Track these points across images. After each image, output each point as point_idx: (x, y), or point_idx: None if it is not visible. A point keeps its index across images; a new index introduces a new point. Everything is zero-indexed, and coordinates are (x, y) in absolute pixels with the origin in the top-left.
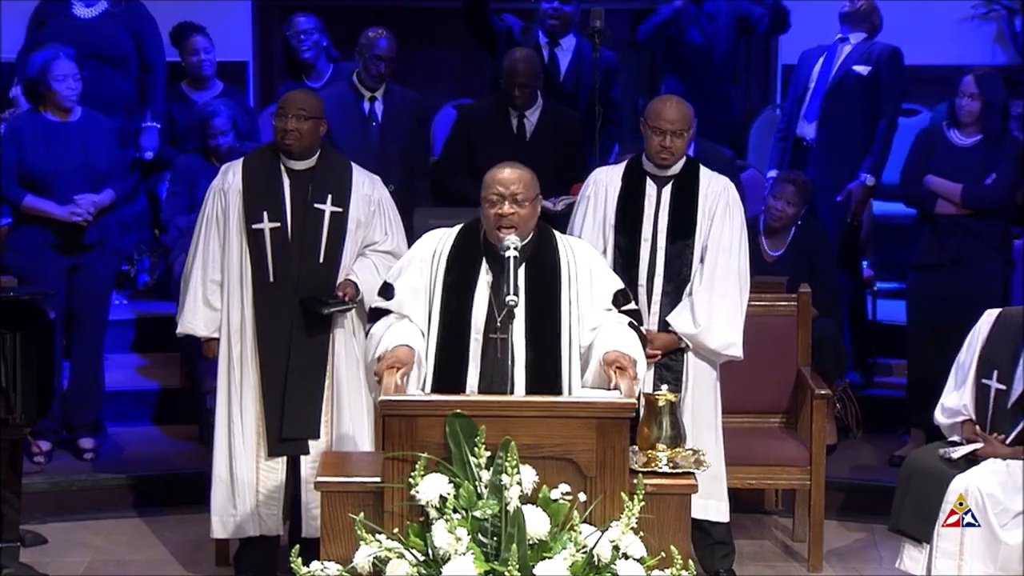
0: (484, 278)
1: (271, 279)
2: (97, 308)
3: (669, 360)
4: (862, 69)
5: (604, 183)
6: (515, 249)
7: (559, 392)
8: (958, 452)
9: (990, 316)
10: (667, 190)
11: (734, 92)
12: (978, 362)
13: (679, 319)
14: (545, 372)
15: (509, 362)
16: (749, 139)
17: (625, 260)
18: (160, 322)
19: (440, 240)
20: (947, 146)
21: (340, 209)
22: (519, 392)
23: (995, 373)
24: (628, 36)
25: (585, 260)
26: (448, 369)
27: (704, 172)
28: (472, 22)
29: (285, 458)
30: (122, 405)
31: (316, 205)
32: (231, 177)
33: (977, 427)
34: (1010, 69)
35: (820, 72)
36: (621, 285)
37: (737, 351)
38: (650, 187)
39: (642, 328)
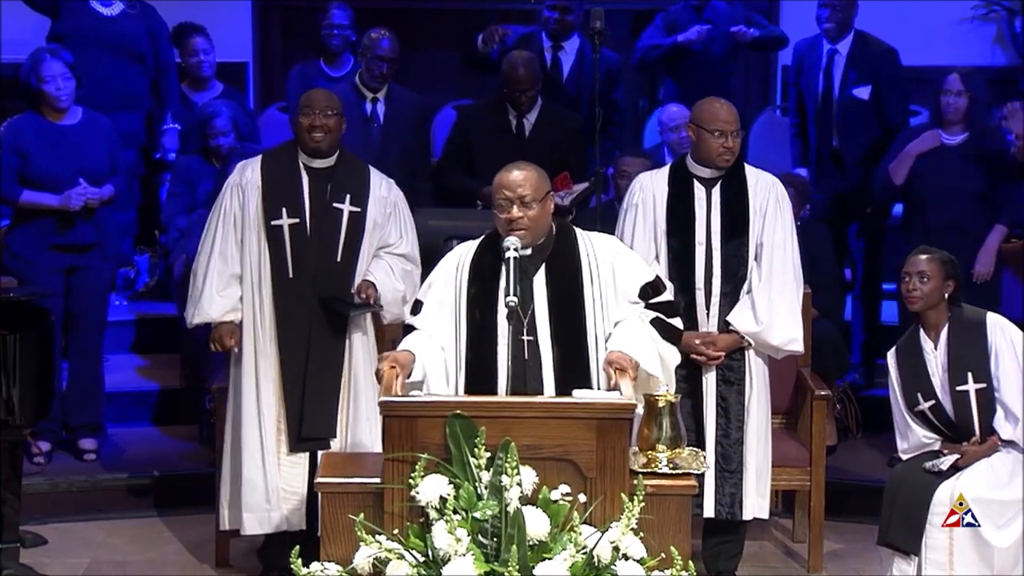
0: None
1: (290, 275)
2: (95, 309)
3: (730, 360)
4: (862, 92)
5: (650, 189)
6: (515, 250)
7: (588, 382)
8: (945, 463)
9: (891, 356)
10: (716, 191)
11: (734, 94)
12: (903, 397)
13: (740, 318)
14: (574, 370)
15: (537, 363)
16: (749, 140)
17: (680, 264)
18: (160, 323)
19: (463, 252)
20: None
21: (358, 209)
22: (548, 392)
23: (919, 396)
24: (625, 39)
25: (606, 255)
26: (480, 375)
27: (750, 170)
28: (473, 65)
29: (307, 454)
30: (122, 406)
31: (335, 204)
32: (249, 173)
33: (951, 444)
34: (1010, 70)
35: (823, 92)
36: (650, 277)
37: (799, 346)
38: (698, 189)
39: (674, 320)
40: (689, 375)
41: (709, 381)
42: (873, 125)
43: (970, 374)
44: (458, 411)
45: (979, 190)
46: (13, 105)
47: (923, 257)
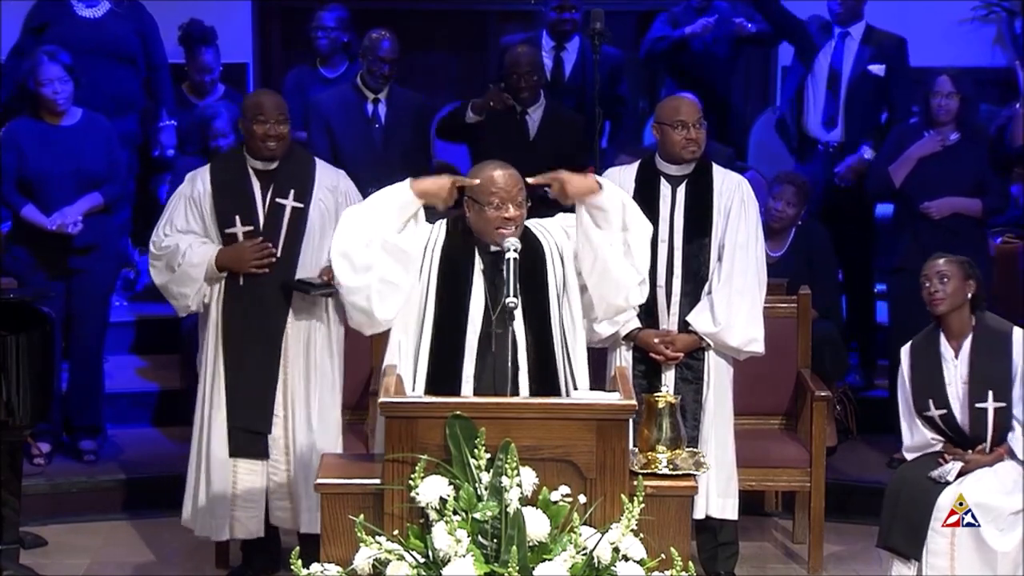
0: (479, 269)
1: (240, 281)
2: (96, 311)
3: (690, 360)
4: (877, 69)
5: (617, 184)
6: (515, 251)
7: (556, 381)
8: (952, 473)
9: (905, 352)
10: (681, 189)
11: (734, 94)
12: (912, 399)
13: (699, 319)
14: (545, 362)
15: (510, 357)
16: (749, 140)
17: None
18: (160, 324)
19: (430, 235)
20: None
21: (301, 205)
22: (524, 384)
23: (930, 402)
24: (629, 38)
25: (554, 226)
26: (444, 367)
27: (717, 170)
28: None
29: (263, 462)
30: (122, 407)
31: (278, 200)
32: (200, 184)
33: (954, 449)
34: (1009, 71)
35: (829, 71)
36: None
37: (759, 347)
38: (664, 187)
39: None
40: (648, 372)
41: (667, 380)
42: (880, 109)
43: (991, 392)
44: (458, 412)
45: (971, 191)
46: (12, 106)
47: (940, 260)
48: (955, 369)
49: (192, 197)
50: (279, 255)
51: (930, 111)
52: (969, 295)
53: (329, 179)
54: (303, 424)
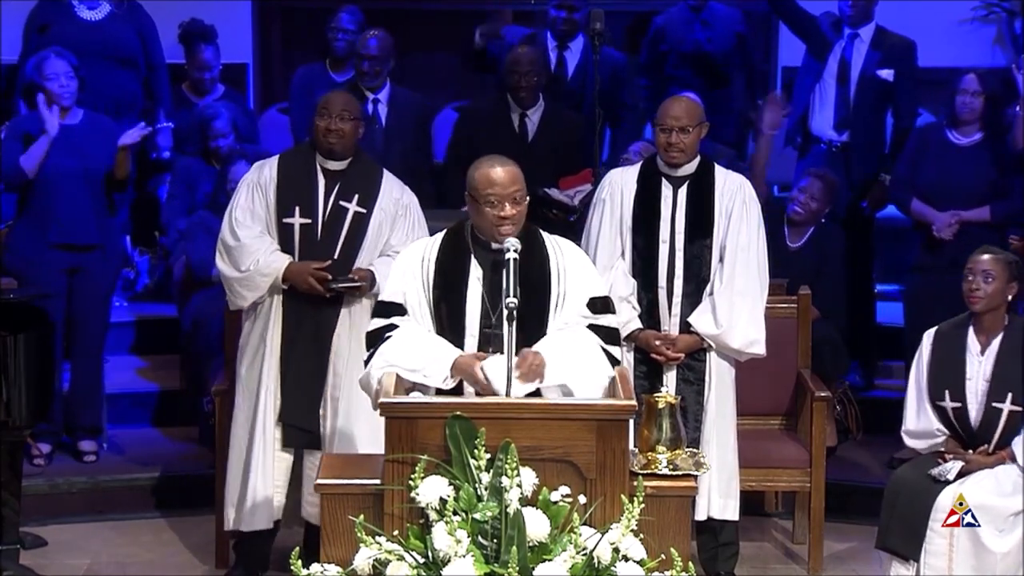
0: (475, 275)
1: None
2: (97, 311)
3: (692, 361)
4: (886, 74)
5: (620, 185)
6: (515, 251)
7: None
8: (953, 472)
9: (928, 337)
10: (683, 190)
11: (734, 94)
12: (928, 386)
13: (701, 320)
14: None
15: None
16: (749, 141)
17: (643, 262)
18: (160, 325)
19: (424, 248)
20: (944, 145)
21: (364, 211)
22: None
23: (946, 393)
24: (629, 39)
25: (572, 259)
26: None
27: (719, 171)
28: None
29: (293, 449)
30: (122, 407)
31: (341, 202)
32: (267, 172)
33: (958, 446)
34: (1008, 71)
35: (838, 71)
36: (604, 292)
37: (760, 348)
38: (665, 188)
39: (613, 348)
40: (649, 373)
41: (669, 380)
42: (885, 111)
43: (1011, 394)
44: (458, 412)
45: (991, 191)
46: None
47: (987, 256)
48: (979, 364)
49: (259, 183)
50: (336, 257)
51: (954, 109)
52: (1009, 297)
53: (395, 191)
54: (344, 422)
